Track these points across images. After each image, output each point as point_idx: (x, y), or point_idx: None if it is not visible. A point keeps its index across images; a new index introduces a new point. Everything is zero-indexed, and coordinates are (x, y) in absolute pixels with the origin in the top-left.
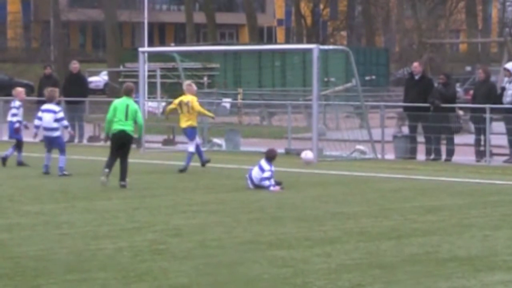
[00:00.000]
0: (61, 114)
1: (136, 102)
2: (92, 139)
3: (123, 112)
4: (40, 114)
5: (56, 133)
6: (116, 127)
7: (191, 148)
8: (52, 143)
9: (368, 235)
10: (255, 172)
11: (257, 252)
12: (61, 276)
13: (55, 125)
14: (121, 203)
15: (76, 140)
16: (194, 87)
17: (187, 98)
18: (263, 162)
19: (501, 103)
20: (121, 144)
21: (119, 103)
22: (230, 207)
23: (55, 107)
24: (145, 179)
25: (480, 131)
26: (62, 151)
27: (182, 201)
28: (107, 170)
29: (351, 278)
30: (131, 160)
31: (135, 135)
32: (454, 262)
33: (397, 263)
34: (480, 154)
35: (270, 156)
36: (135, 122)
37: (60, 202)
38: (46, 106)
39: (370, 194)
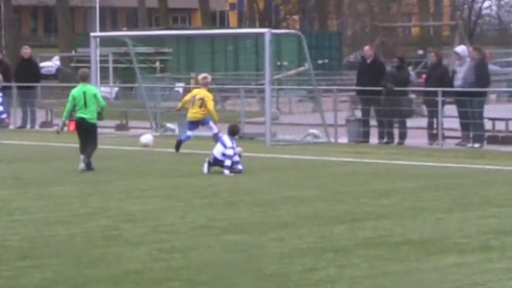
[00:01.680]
0: None
1: None
2: (44, 124)
3: (81, 100)
4: None
5: None
6: (77, 115)
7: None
8: None
9: (322, 219)
10: (217, 148)
11: (210, 237)
12: (13, 262)
13: None
14: (74, 189)
15: (28, 125)
16: (209, 79)
17: (202, 94)
18: (225, 138)
19: (453, 86)
20: (84, 131)
21: (76, 91)
22: (184, 192)
23: None
24: (98, 164)
25: (433, 114)
26: None
27: (136, 187)
28: (82, 156)
29: (305, 262)
30: None
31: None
32: (407, 245)
33: (350, 246)
34: (432, 137)
35: (233, 131)
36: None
37: (12, 188)
38: None
39: (324, 178)
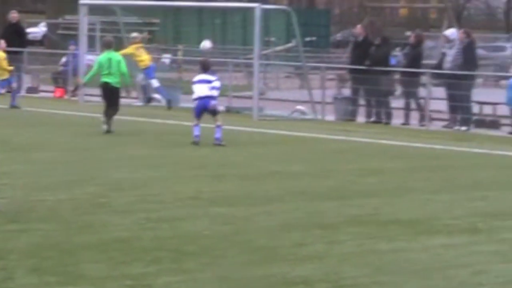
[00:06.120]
0: None
1: (76, 55)
2: (31, 90)
3: (106, 65)
4: None
5: None
6: (102, 79)
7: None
8: None
9: (309, 195)
10: (202, 88)
11: (198, 208)
12: (1, 226)
13: None
14: (62, 155)
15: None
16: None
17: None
18: (204, 75)
19: (441, 69)
20: (108, 95)
21: (101, 57)
22: (171, 163)
23: None
24: (85, 131)
25: (409, 95)
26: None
27: (123, 156)
28: (104, 118)
29: (293, 237)
30: (69, 112)
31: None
32: (396, 224)
33: (338, 223)
34: (408, 118)
35: (207, 66)
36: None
37: (0, 152)
38: None
39: (311, 154)
